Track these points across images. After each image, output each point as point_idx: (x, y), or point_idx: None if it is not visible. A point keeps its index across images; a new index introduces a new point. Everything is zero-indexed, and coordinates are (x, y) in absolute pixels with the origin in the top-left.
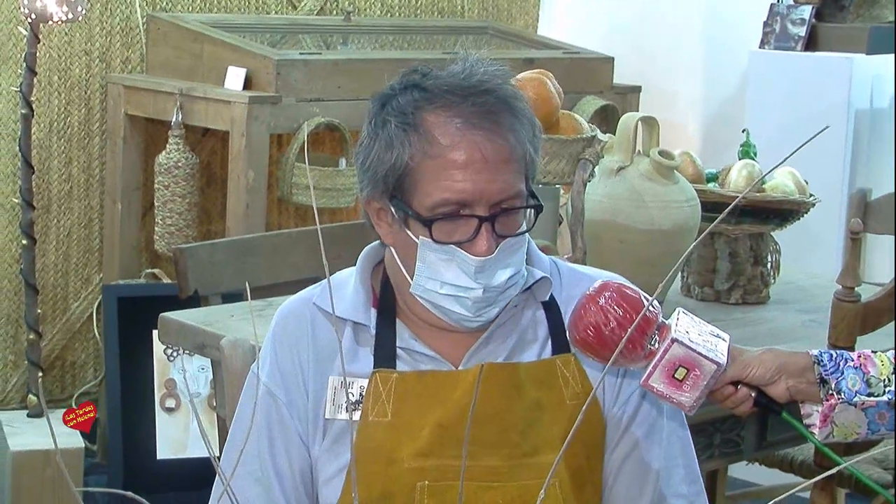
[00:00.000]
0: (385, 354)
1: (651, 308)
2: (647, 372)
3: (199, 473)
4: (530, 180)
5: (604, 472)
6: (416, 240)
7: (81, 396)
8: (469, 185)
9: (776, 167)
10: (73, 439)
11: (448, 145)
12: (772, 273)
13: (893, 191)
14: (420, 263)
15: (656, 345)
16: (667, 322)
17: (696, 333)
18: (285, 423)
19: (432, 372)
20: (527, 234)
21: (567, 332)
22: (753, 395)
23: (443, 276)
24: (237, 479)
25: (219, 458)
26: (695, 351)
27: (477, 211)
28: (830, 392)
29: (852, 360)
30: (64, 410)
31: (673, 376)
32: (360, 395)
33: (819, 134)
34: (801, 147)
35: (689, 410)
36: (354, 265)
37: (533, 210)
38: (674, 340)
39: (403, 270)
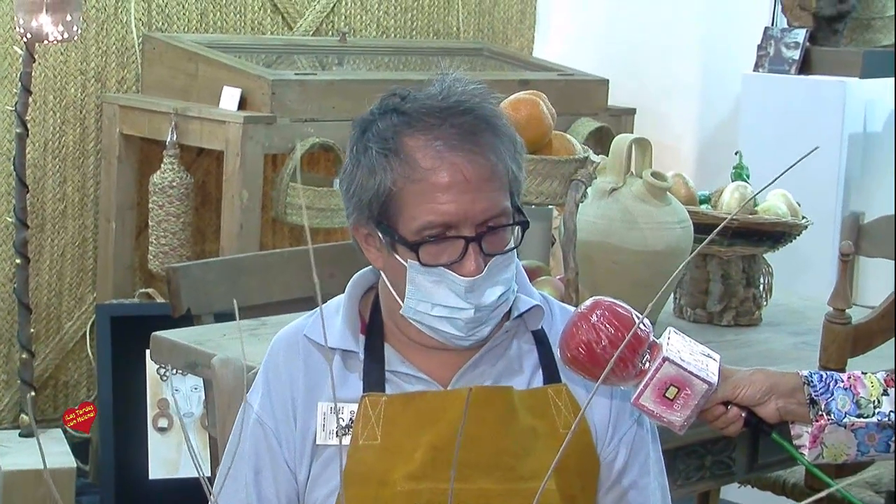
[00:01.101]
0: (374, 379)
1: (642, 326)
2: (638, 391)
3: (192, 494)
4: (515, 197)
5: None
6: (405, 263)
7: None
8: (453, 207)
9: (767, 186)
10: (64, 459)
11: (429, 168)
12: (764, 295)
13: (894, 213)
14: (410, 286)
15: (647, 364)
16: (658, 341)
17: (688, 353)
18: (273, 451)
19: (421, 393)
20: (515, 251)
21: (558, 351)
22: (744, 415)
23: (433, 298)
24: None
25: (209, 480)
26: (686, 370)
27: (463, 231)
28: (820, 413)
29: (842, 381)
30: (60, 419)
31: (664, 395)
32: (351, 419)
33: (808, 155)
34: (790, 168)
35: (680, 430)
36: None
37: (520, 227)
38: (665, 359)
39: (394, 293)
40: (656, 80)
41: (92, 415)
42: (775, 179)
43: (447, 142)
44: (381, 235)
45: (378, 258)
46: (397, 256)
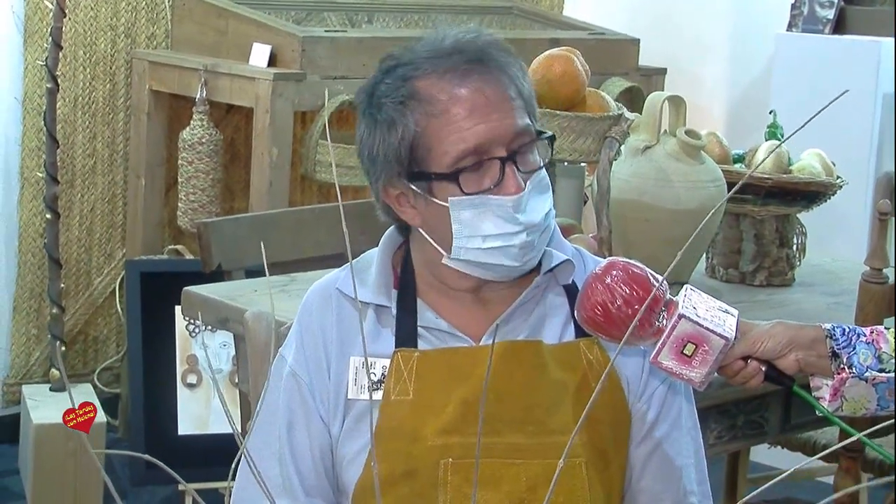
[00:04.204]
0: (406, 334)
1: (657, 284)
2: (657, 349)
3: (221, 449)
4: (533, 118)
5: (628, 463)
6: (446, 203)
7: (103, 371)
8: (481, 128)
9: (798, 130)
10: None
11: (448, 99)
12: (797, 255)
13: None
14: (456, 225)
15: (664, 322)
16: (674, 299)
17: (704, 309)
18: (307, 404)
19: (453, 349)
20: (547, 175)
21: (575, 312)
22: (763, 369)
23: (483, 230)
24: (261, 458)
25: (242, 435)
26: (702, 326)
27: (496, 153)
28: (842, 366)
29: (864, 336)
30: (91, 374)
31: (682, 352)
32: (383, 374)
33: (840, 97)
34: (823, 109)
35: (700, 386)
36: (377, 243)
37: (549, 140)
38: (681, 316)
39: (436, 245)
40: (688, 40)
41: (92, 415)
42: (807, 122)
43: (458, 71)
44: (413, 188)
45: (415, 215)
46: (436, 200)
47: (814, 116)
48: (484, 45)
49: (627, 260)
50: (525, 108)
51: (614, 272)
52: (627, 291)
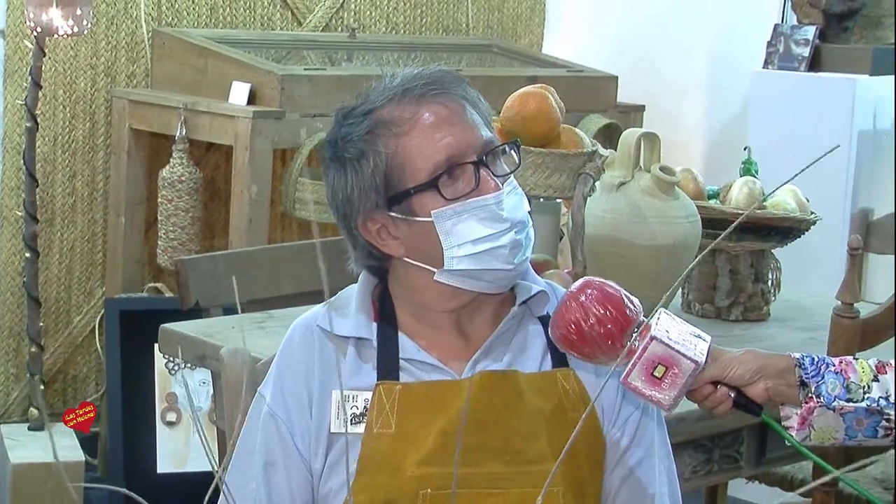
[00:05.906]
0: (388, 367)
1: (631, 306)
2: (627, 369)
3: (200, 487)
4: (493, 134)
5: (603, 490)
6: (430, 219)
7: None
8: (451, 139)
9: (781, 186)
10: (73, 453)
11: (412, 117)
12: (772, 290)
13: (893, 211)
14: (444, 237)
15: (636, 343)
16: (647, 321)
17: (677, 333)
18: (286, 443)
19: (435, 382)
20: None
21: (549, 330)
22: (732, 395)
23: (471, 235)
24: (238, 496)
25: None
26: (673, 349)
27: (468, 159)
28: (810, 395)
29: (833, 365)
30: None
31: (652, 374)
32: (365, 407)
33: (828, 154)
34: (810, 165)
35: (668, 409)
36: (356, 280)
37: (514, 148)
38: (653, 338)
39: (425, 266)
40: (666, 77)
41: (92, 415)
42: (792, 178)
43: (417, 93)
44: (393, 214)
45: (398, 245)
46: (419, 218)
47: (798, 173)
48: (433, 72)
49: (603, 280)
50: (485, 123)
51: (589, 291)
52: (601, 311)
